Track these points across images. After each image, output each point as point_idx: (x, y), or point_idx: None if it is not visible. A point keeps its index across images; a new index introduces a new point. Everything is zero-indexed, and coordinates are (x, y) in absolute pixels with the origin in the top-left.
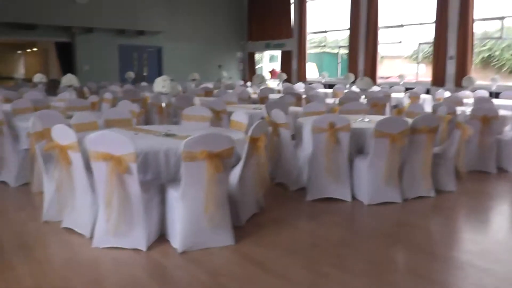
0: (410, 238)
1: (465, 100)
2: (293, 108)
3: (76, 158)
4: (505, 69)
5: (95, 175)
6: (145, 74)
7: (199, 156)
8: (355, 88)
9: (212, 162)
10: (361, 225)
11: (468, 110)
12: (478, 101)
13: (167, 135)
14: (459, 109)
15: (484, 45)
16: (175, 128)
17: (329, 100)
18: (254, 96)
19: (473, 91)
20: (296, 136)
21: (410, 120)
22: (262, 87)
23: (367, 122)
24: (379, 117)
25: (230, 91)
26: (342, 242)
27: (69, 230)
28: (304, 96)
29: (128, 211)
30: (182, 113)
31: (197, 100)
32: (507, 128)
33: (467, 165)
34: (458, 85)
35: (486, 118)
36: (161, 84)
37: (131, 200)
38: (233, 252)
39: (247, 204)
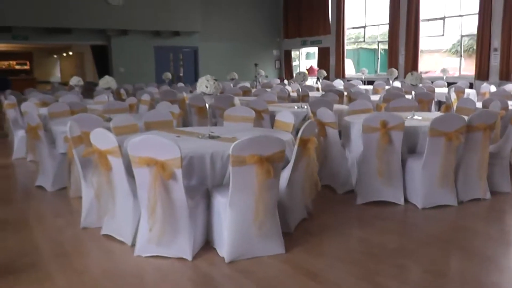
0: (471, 245)
1: None
2: (336, 106)
3: (116, 163)
4: None
5: (138, 181)
6: (181, 74)
7: (248, 160)
8: (397, 84)
9: (263, 167)
10: (417, 230)
11: None
12: None
13: (211, 137)
14: (511, 104)
15: None
16: (218, 130)
17: (373, 97)
18: (293, 94)
19: None
20: (343, 135)
21: (465, 117)
22: (303, 85)
23: (418, 119)
24: (428, 114)
25: (269, 90)
26: (400, 251)
27: (109, 238)
28: (345, 93)
29: (173, 219)
30: (225, 113)
31: (237, 100)
32: None
33: None
34: (503, 78)
35: None
36: (204, 83)
37: (176, 207)
38: (283, 262)
39: (296, 209)
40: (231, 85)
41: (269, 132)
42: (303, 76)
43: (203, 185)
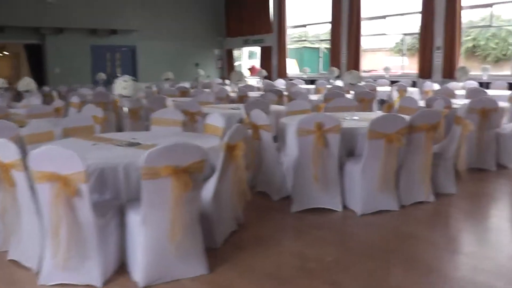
0: (414, 255)
1: (457, 92)
2: (275, 107)
3: (20, 178)
4: (490, 58)
5: (40, 199)
6: (118, 75)
7: (162, 172)
8: (339, 83)
9: (179, 179)
10: (356, 240)
11: (464, 103)
12: (472, 92)
13: (131, 144)
14: (454, 102)
15: (468, 35)
16: (142, 136)
17: (313, 97)
18: (233, 95)
19: (461, 82)
20: (279, 138)
21: (407, 117)
22: (241, 85)
23: (357, 120)
24: (368, 114)
25: (208, 90)
26: (337, 264)
27: (16, 263)
28: (286, 93)
29: (80, 241)
30: (152, 116)
31: (169, 101)
32: (504, 121)
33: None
34: (446, 76)
35: (484, 111)
36: (121, 85)
37: (83, 228)
38: (207, 284)
39: (224, 222)
40: (167, 85)
41: (196, 138)
42: (239, 76)
43: (116, 200)
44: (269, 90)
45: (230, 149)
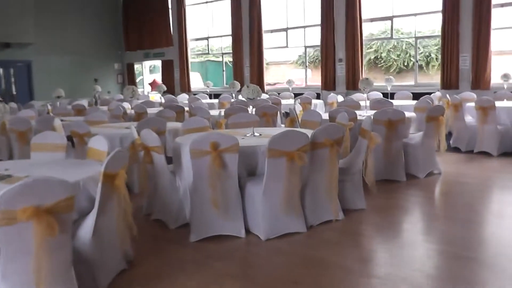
0: (324, 285)
1: (361, 103)
2: (173, 124)
3: None
4: (392, 69)
5: None
6: (14, 93)
7: (20, 215)
8: (242, 97)
9: (41, 222)
10: (261, 272)
11: (367, 114)
12: (377, 103)
13: (1, 178)
14: (359, 114)
15: (370, 47)
16: (18, 165)
17: (214, 112)
18: (131, 112)
19: (365, 93)
20: (174, 160)
21: (309, 133)
22: (140, 101)
23: (257, 137)
24: (271, 130)
25: (105, 108)
26: None
27: None
28: (187, 108)
29: None
30: (31, 142)
31: (57, 121)
32: (411, 130)
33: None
34: (350, 88)
35: (391, 122)
36: None
37: None
38: None
39: (109, 261)
40: (58, 103)
41: (76, 165)
42: (131, 92)
43: None
44: (168, 106)
45: (109, 178)
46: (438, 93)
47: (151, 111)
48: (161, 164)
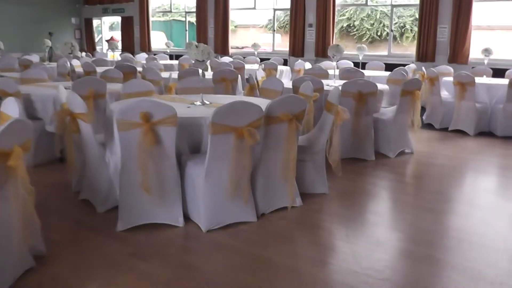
0: None
1: (330, 72)
2: (115, 87)
3: None
4: (365, 39)
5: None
6: None
7: None
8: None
9: None
10: (197, 277)
11: (335, 84)
12: (347, 73)
13: None
14: (326, 84)
15: (343, 15)
16: None
17: (165, 74)
18: (80, 70)
19: (334, 61)
20: (105, 130)
21: (263, 104)
22: (93, 58)
23: (207, 106)
24: (225, 98)
25: (53, 64)
26: None
27: None
28: (139, 69)
29: None
30: None
31: None
32: (382, 105)
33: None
34: (319, 55)
35: (361, 95)
36: None
37: None
38: None
39: (9, 264)
40: None
41: None
42: (70, 47)
43: None
44: (118, 66)
45: (2, 157)
46: (412, 65)
47: (101, 70)
48: (88, 135)
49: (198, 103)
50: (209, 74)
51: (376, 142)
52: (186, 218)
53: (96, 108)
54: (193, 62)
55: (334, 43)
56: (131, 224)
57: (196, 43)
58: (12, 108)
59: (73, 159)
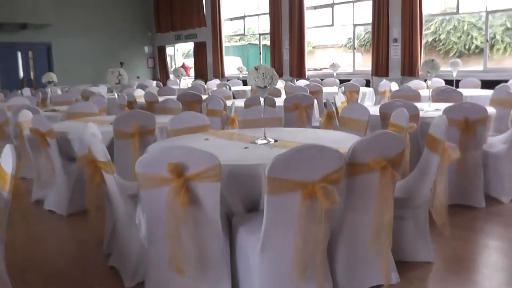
0: None
1: (422, 93)
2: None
3: None
4: (452, 53)
5: None
6: (32, 77)
7: None
8: (279, 83)
9: None
10: None
11: (431, 109)
12: (441, 94)
13: None
14: (421, 108)
15: (428, 28)
16: None
17: (239, 103)
18: (141, 100)
19: (429, 80)
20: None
21: (345, 140)
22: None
23: (270, 145)
24: (296, 132)
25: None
26: None
27: None
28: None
29: None
30: None
31: (28, 114)
32: (489, 134)
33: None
34: (406, 73)
35: (468, 123)
36: None
37: None
38: None
39: None
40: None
41: None
42: (117, 76)
43: None
44: (181, 94)
45: None
46: None
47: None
48: (112, 188)
49: (260, 141)
50: (280, 100)
51: (485, 182)
52: None
53: (143, 147)
54: (253, 87)
55: (422, 59)
56: None
57: (256, 66)
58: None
59: (94, 216)
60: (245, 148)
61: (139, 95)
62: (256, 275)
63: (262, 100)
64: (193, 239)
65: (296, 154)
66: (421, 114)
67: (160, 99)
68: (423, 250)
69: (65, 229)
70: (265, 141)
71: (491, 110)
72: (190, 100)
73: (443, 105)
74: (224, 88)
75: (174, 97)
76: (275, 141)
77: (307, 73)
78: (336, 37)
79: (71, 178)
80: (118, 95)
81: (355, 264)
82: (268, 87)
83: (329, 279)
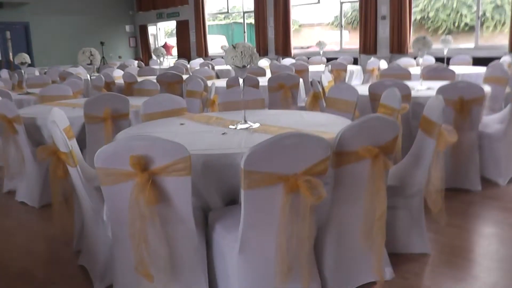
0: None
1: (412, 71)
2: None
3: None
4: (441, 31)
5: None
6: (11, 59)
7: None
8: (264, 62)
9: None
10: None
11: (422, 88)
12: (432, 72)
13: None
14: (412, 87)
15: (416, 6)
16: None
17: (220, 83)
18: (120, 81)
19: (414, 57)
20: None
21: (331, 123)
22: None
23: (250, 130)
24: (278, 114)
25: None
26: None
27: None
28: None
29: None
30: None
31: None
32: (484, 114)
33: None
34: (395, 51)
35: (463, 103)
36: None
37: None
38: None
39: None
40: (23, 72)
41: None
42: (89, 57)
43: None
44: (160, 75)
45: None
46: (507, 58)
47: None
48: (76, 182)
49: (240, 126)
50: (264, 80)
51: (481, 164)
52: None
53: (117, 132)
54: (231, 67)
55: (411, 36)
56: None
57: (234, 44)
58: None
59: (59, 212)
60: (223, 134)
61: (118, 75)
62: (235, 278)
63: (241, 81)
64: (162, 240)
65: (275, 144)
66: (413, 93)
67: (140, 80)
68: (418, 241)
69: (35, 222)
70: (245, 126)
71: (486, 89)
72: (170, 81)
73: (435, 84)
74: (207, 67)
75: (154, 77)
76: (256, 125)
77: (293, 51)
78: (322, 15)
79: (42, 167)
80: (90, 76)
81: (345, 261)
82: (248, 66)
83: (316, 278)
